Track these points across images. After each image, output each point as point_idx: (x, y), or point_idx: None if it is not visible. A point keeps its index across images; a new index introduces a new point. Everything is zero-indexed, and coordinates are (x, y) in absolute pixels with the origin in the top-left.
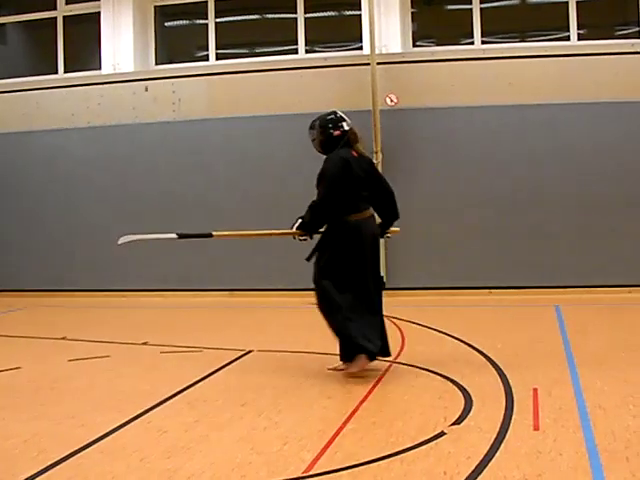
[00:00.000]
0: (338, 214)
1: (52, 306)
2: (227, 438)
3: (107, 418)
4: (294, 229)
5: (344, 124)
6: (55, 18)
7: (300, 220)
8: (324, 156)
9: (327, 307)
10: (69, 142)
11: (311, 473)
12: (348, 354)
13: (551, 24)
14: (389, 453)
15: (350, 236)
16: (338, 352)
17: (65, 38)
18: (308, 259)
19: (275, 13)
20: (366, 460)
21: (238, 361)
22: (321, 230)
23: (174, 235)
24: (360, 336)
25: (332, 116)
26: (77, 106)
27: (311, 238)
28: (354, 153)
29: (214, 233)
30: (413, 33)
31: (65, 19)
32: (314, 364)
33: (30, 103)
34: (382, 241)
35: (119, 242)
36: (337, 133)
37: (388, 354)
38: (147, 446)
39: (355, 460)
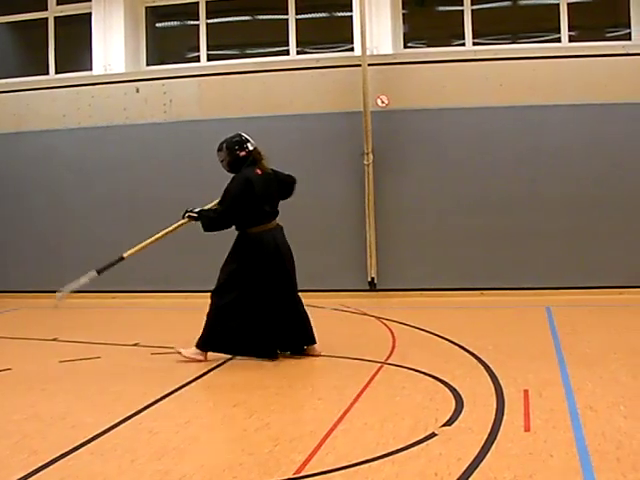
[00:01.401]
0: (241, 227)
1: (43, 307)
2: (218, 439)
3: (98, 419)
4: (185, 218)
5: (249, 145)
6: (46, 19)
7: (196, 213)
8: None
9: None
10: (60, 143)
11: (302, 474)
12: (204, 344)
13: (542, 26)
14: (380, 454)
15: (252, 246)
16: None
17: (56, 39)
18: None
19: (266, 14)
20: (358, 461)
21: (229, 362)
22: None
23: (94, 273)
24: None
25: (238, 138)
26: (68, 107)
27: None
28: (258, 171)
29: (124, 255)
30: (404, 34)
31: (56, 20)
32: (306, 365)
33: (21, 104)
34: (372, 242)
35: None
36: (243, 154)
37: (295, 350)
38: (138, 447)
39: (347, 461)
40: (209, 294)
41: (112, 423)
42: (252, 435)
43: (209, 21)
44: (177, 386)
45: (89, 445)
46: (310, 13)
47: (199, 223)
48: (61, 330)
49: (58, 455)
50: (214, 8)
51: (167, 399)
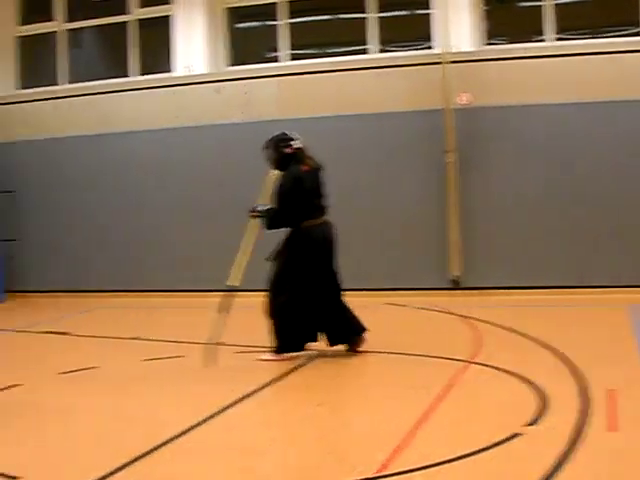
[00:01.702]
0: (293, 222)
1: (124, 307)
2: (301, 437)
3: (181, 418)
4: (255, 212)
5: (294, 142)
6: (128, 22)
7: (259, 212)
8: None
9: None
10: (141, 144)
11: (384, 473)
12: (280, 349)
13: (624, 19)
14: (463, 454)
15: (302, 240)
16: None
17: (138, 41)
18: (268, 259)
19: (346, 13)
20: (439, 461)
21: (313, 361)
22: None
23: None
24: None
25: (283, 136)
26: (150, 109)
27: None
28: (305, 167)
29: (229, 283)
30: (484, 31)
31: (138, 23)
32: (391, 364)
33: (105, 106)
34: (456, 240)
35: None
36: (288, 151)
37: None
38: (221, 446)
39: (429, 460)
40: None
41: (195, 422)
42: (334, 434)
43: (288, 21)
44: (260, 385)
45: (172, 443)
46: (389, 11)
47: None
48: (141, 329)
49: (142, 453)
50: (294, 8)
51: (250, 398)
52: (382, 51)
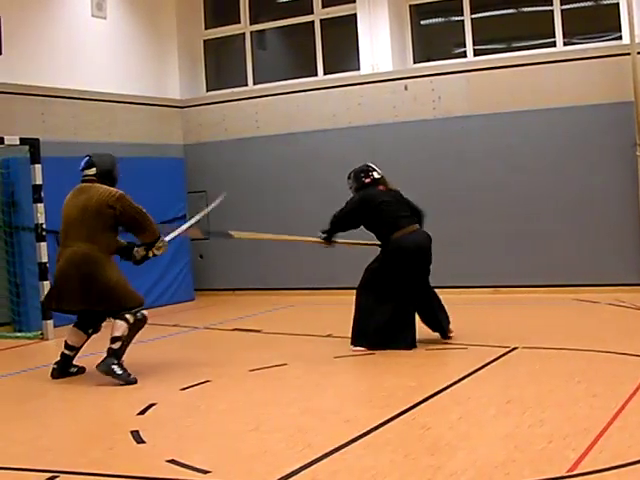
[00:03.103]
0: (383, 235)
1: (317, 304)
2: (491, 435)
3: (371, 414)
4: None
5: (374, 173)
6: (312, 22)
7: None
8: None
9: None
10: (330, 143)
11: (576, 472)
12: (353, 340)
13: None
14: None
15: (392, 250)
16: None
17: (323, 41)
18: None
19: (531, 6)
20: (633, 460)
21: (503, 358)
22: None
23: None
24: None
25: (364, 167)
26: (338, 107)
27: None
28: (381, 187)
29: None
30: None
31: (322, 22)
32: (579, 361)
33: (292, 105)
34: None
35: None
36: (367, 181)
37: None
38: (411, 442)
39: (621, 460)
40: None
41: (385, 418)
42: (525, 432)
43: (474, 16)
44: (450, 382)
45: (362, 439)
46: (575, 3)
47: None
48: (336, 326)
49: (332, 449)
50: (478, 3)
51: (440, 395)
52: (569, 44)
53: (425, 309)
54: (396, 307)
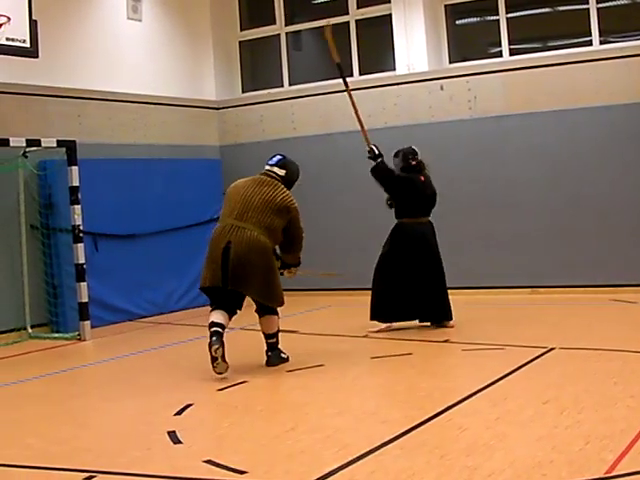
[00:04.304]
0: (398, 216)
1: (354, 305)
2: (528, 436)
3: (407, 415)
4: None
5: (418, 156)
6: (348, 22)
7: (378, 157)
8: None
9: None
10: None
11: (613, 474)
12: (371, 316)
13: None
14: None
15: (402, 234)
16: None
17: (358, 41)
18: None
19: (566, 5)
20: None
21: (540, 358)
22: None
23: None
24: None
25: (412, 149)
26: (374, 107)
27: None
28: (422, 178)
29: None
30: None
31: (357, 22)
32: (616, 362)
33: (329, 106)
34: None
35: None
36: (414, 163)
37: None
38: (447, 443)
39: None
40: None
41: (422, 419)
42: (563, 432)
43: (509, 15)
44: (487, 382)
45: (399, 440)
46: (611, 1)
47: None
48: (371, 326)
49: (368, 450)
50: (513, 2)
51: (477, 395)
52: (605, 42)
53: (424, 295)
54: (400, 285)
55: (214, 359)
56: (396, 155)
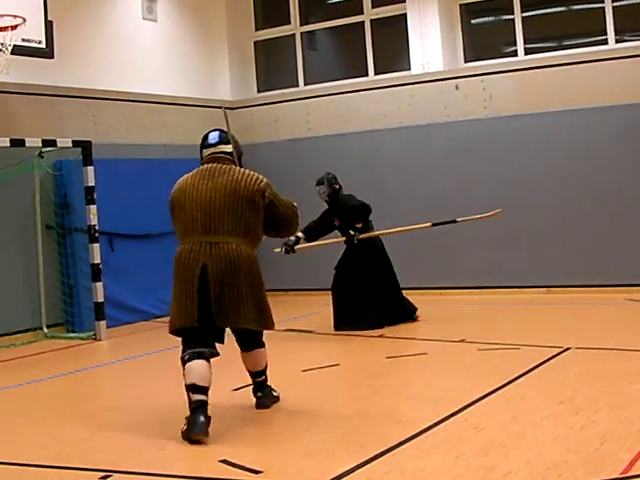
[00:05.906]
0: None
1: None
2: (544, 436)
3: (423, 415)
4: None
5: (338, 180)
6: (363, 22)
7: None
8: None
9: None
10: (381, 143)
11: (630, 474)
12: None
13: None
14: None
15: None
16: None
17: (373, 41)
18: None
19: (581, 4)
20: None
21: (556, 358)
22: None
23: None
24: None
25: (332, 175)
26: (389, 107)
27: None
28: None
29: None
30: None
31: (372, 22)
32: (632, 362)
33: (343, 106)
34: None
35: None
36: (337, 186)
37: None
38: (463, 443)
39: None
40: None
41: (437, 419)
42: (578, 433)
43: (524, 14)
44: (503, 382)
45: (414, 440)
46: (624, 0)
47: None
48: (388, 327)
49: (384, 449)
50: (528, 1)
51: (493, 395)
52: (620, 41)
53: (389, 298)
54: (363, 293)
55: (194, 442)
56: (321, 183)
